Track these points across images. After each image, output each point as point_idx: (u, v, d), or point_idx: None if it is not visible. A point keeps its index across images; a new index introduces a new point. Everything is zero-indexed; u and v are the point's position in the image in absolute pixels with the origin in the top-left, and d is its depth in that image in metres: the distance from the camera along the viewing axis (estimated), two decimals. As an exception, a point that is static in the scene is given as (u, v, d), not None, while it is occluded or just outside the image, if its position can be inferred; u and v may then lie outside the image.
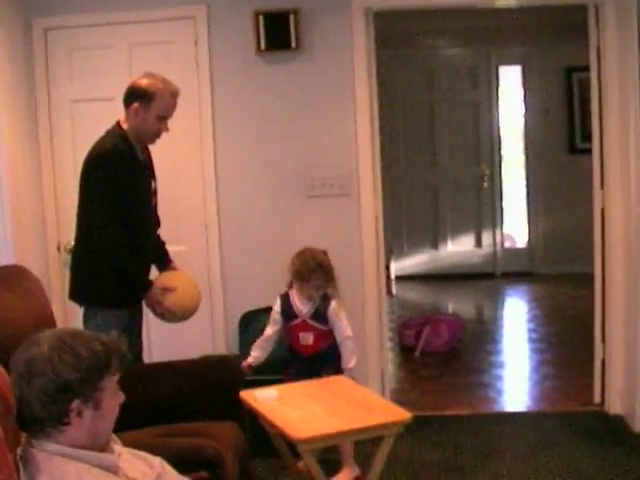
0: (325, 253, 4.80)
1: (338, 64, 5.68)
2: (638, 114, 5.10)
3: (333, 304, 4.71)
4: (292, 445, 3.88)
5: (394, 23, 7.18)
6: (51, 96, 5.81)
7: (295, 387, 4.35)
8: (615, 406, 5.62)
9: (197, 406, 4.10)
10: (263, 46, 5.64)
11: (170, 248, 4.85)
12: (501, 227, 10.84)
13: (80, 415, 2.40)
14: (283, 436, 3.88)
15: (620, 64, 5.34)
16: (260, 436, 4.27)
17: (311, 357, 4.73)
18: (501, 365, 7.12)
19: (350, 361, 4.71)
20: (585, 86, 6.94)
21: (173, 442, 3.59)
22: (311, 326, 4.72)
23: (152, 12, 5.70)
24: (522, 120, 10.84)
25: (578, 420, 5.56)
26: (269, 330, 4.83)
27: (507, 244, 11.11)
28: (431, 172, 10.72)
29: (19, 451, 2.46)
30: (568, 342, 7.59)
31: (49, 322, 3.72)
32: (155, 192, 4.68)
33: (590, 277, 5.82)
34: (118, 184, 4.29)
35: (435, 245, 10.85)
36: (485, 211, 10.74)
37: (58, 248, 5.79)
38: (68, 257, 5.09)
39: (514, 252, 11.14)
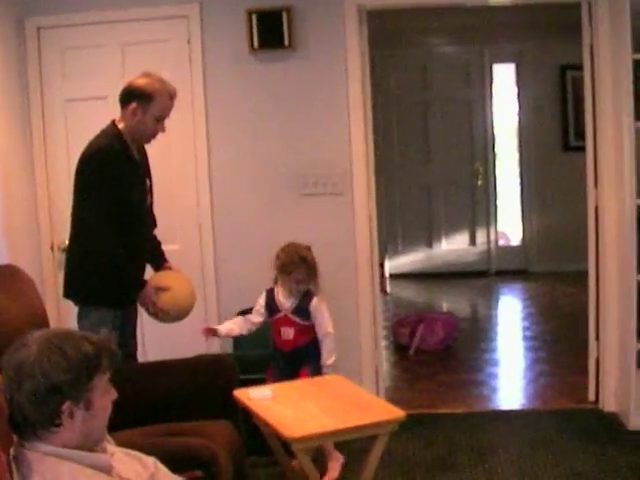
0: (309, 248, 4.86)
1: (331, 62, 5.68)
2: (631, 112, 5.10)
3: (315, 299, 4.78)
4: (286, 444, 3.88)
5: (387, 21, 7.16)
6: (44, 95, 5.79)
7: (289, 386, 4.35)
8: (609, 404, 5.62)
9: (191, 405, 4.10)
10: (256, 44, 5.63)
11: (164, 247, 4.85)
12: (495, 225, 10.85)
13: (72, 416, 2.39)
14: (277, 435, 3.88)
15: (613, 62, 5.33)
16: (254, 435, 4.27)
17: (291, 352, 4.78)
18: (495, 363, 7.12)
19: (329, 358, 4.75)
20: (579, 84, 6.93)
21: (167, 441, 3.59)
22: (292, 321, 4.78)
23: (145, 11, 5.69)
24: (516, 118, 10.85)
25: (572, 418, 5.56)
26: (251, 317, 4.90)
27: (501, 242, 11.12)
28: (425, 170, 10.72)
29: (12, 451, 2.45)
30: (562, 340, 7.59)
31: (42, 322, 3.72)
32: (151, 191, 4.68)
33: (584, 275, 5.82)
34: (113, 183, 4.29)
35: (429, 243, 10.86)
36: (479, 209, 10.75)
37: (52, 248, 5.78)
38: (62, 257, 5.09)
39: (508, 250, 11.14)
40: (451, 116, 10.58)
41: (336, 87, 5.69)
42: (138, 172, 4.52)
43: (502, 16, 8.98)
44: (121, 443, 2.77)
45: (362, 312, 5.81)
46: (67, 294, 4.57)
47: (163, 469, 2.76)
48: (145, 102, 4.36)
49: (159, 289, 4.47)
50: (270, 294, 4.87)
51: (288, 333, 4.78)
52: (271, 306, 4.84)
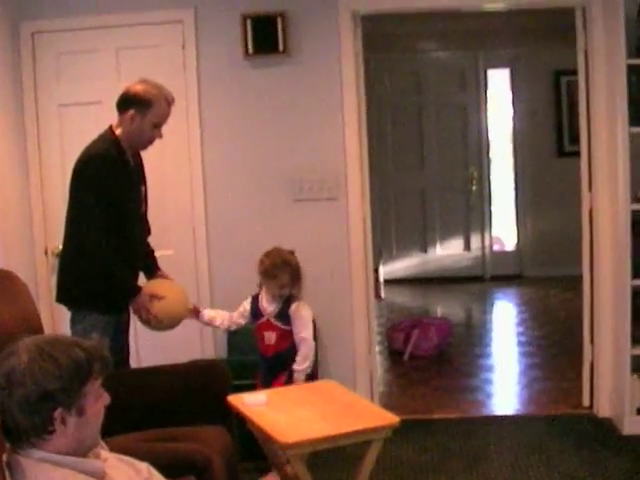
0: (292, 253, 4.86)
1: (326, 67, 5.68)
2: (626, 117, 5.10)
3: (295, 304, 4.77)
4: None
5: (382, 26, 7.18)
6: (38, 100, 5.79)
7: (283, 392, 4.35)
8: (604, 409, 5.62)
9: (185, 411, 4.09)
10: (251, 50, 5.63)
11: (158, 252, 4.85)
12: (490, 230, 10.87)
13: (64, 423, 2.38)
14: (271, 440, 3.87)
15: (608, 67, 5.34)
16: (248, 440, 4.26)
17: (273, 357, 4.78)
18: (490, 368, 7.12)
19: (300, 363, 4.73)
20: (573, 89, 6.96)
21: (160, 447, 3.57)
22: (274, 325, 4.77)
23: (139, 16, 5.69)
24: (510, 123, 10.87)
25: (567, 423, 5.56)
26: (235, 315, 4.92)
27: (496, 247, 11.13)
28: (420, 175, 10.72)
29: (5, 458, 2.44)
30: (557, 345, 7.60)
31: (36, 326, 3.71)
32: (145, 199, 4.67)
33: (579, 279, 5.82)
34: (109, 189, 4.28)
35: (424, 248, 10.86)
36: (474, 214, 10.76)
37: (46, 252, 5.77)
38: (56, 261, 5.07)
39: (503, 255, 11.15)
40: (446, 121, 10.59)
41: (330, 92, 5.69)
42: (133, 179, 4.52)
43: (496, 21, 9.00)
44: (115, 448, 2.76)
45: (356, 317, 5.80)
46: (59, 299, 4.56)
47: (156, 474, 2.76)
48: (143, 108, 4.35)
49: (153, 297, 4.47)
50: (255, 299, 4.88)
51: (270, 338, 4.78)
52: (255, 311, 4.85)
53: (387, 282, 10.24)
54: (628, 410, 5.28)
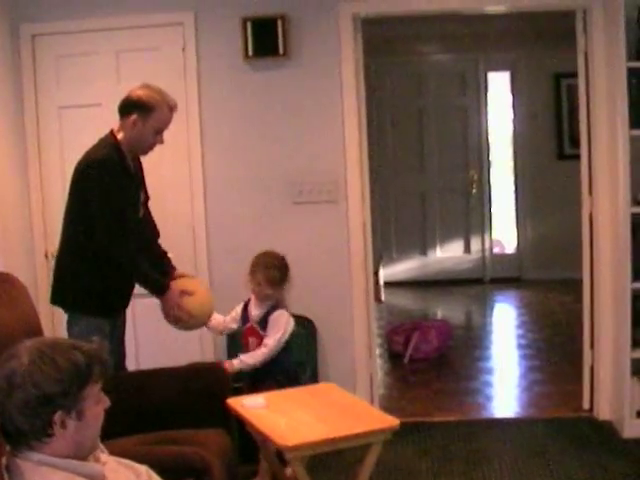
0: (281, 258, 4.86)
1: (326, 70, 5.68)
2: (626, 120, 5.10)
3: (277, 312, 4.75)
4: (280, 452, 3.87)
5: (382, 29, 7.19)
6: (38, 102, 5.79)
7: (283, 394, 4.34)
8: (604, 412, 5.62)
9: (184, 413, 4.09)
10: (251, 52, 5.63)
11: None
12: (490, 233, 10.85)
13: (64, 426, 2.38)
14: (270, 443, 3.87)
15: (608, 70, 5.34)
16: (248, 443, 4.26)
17: (258, 369, 4.76)
18: (490, 371, 7.12)
19: (247, 358, 4.72)
20: (573, 92, 6.93)
21: (160, 450, 3.57)
22: (256, 331, 4.78)
23: (140, 18, 5.69)
24: (511, 126, 10.85)
25: (567, 426, 5.56)
26: (227, 319, 4.94)
27: (496, 250, 11.12)
28: (420, 178, 10.72)
29: (4, 461, 2.44)
30: (557, 348, 7.59)
31: (36, 329, 3.71)
32: (144, 204, 4.67)
33: (579, 283, 5.82)
34: (115, 194, 4.29)
35: (424, 251, 10.85)
36: (474, 217, 10.75)
37: (45, 255, 5.77)
38: (54, 264, 5.07)
39: (503, 258, 11.14)
40: (446, 124, 10.58)
41: (331, 95, 5.69)
42: (133, 184, 4.51)
43: (497, 24, 9.00)
44: (114, 451, 2.75)
45: (356, 320, 5.80)
46: (55, 301, 4.56)
47: (156, 477, 2.75)
48: (145, 114, 4.35)
49: (184, 292, 4.48)
50: (246, 304, 4.91)
51: (253, 343, 4.79)
52: (244, 316, 4.88)
53: (387, 285, 10.24)
54: (628, 413, 5.28)
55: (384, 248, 10.52)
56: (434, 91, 10.58)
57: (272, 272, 4.76)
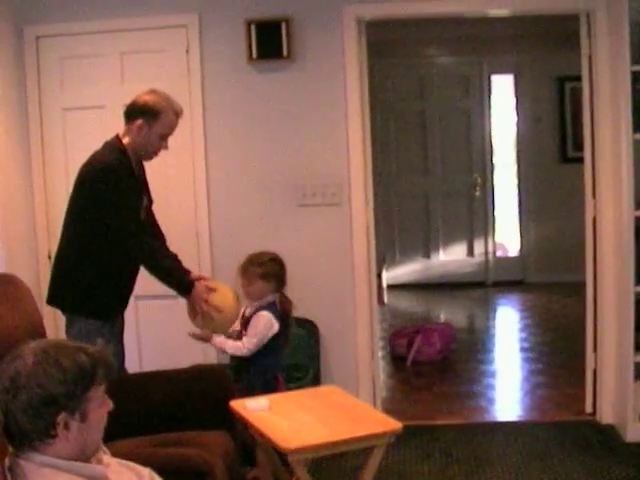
0: (273, 259, 4.82)
1: (330, 73, 5.68)
2: (630, 123, 5.09)
3: (260, 313, 4.70)
4: (282, 455, 3.87)
5: (386, 32, 7.18)
6: (42, 104, 5.79)
7: (286, 397, 4.34)
8: (607, 416, 5.61)
9: (187, 415, 4.09)
10: (255, 55, 5.64)
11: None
12: (493, 236, 10.85)
13: (67, 428, 2.38)
14: (273, 446, 3.87)
15: (612, 73, 5.34)
16: (251, 445, 4.26)
17: (235, 365, 4.77)
18: (493, 374, 7.11)
19: (222, 342, 4.67)
20: (577, 95, 6.95)
21: (162, 452, 3.58)
22: (242, 332, 4.76)
23: (144, 20, 5.69)
24: (514, 129, 10.86)
25: (570, 430, 5.55)
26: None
27: (499, 253, 11.12)
28: (423, 181, 10.72)
29: (7, 462, 2.44)
30: (560, 351, 7.58)
31: (39, 331, 3.71)
32: (147, 208, 4.66)
33: (582, 286, 5.81)
34: (130, 196, 4.30)
35: (427, 254, 10.85)
36: (477, 220, 10.75)
37: (49, 256, 5.76)
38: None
39: (506, 261, 11.14)
40: (449, 127, 10.59)
41: (334, 97, 5.69)
42: (137, 188, 4.51)
43: (501, 27, 8.99)
44: (117, 453, 2.76)
45: (359, 323, 5.80)
46: (51, 302, 4.56)
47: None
48: (151, 119, 4.36)
49: (209, 289, 4.49)
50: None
51: None
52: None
53: (390, 287, 10.23)
54: (631, 417, 5.27)
55: (387, 251, 10.52)
56: (438, 94, 10.59)
57: (254, 269, 4.72)
